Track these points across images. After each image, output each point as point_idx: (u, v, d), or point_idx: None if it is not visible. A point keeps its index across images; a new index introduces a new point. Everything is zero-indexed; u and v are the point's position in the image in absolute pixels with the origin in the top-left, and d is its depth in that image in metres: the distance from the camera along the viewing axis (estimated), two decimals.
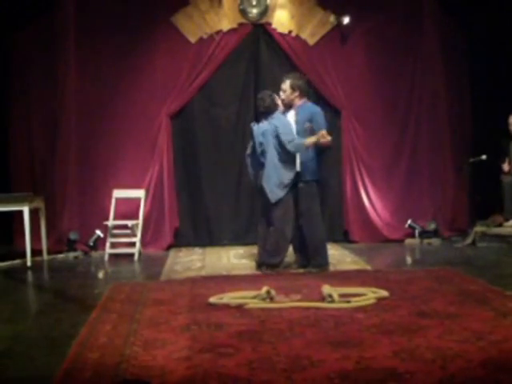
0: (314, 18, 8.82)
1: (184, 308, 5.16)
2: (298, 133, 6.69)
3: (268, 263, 6.70)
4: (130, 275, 7.28)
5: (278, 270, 6.69)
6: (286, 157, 6.60)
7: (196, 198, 8.97)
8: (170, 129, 8.79)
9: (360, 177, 8.91)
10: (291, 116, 6.83)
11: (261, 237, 6.88)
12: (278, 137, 6.58)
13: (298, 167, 6.70)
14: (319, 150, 6.70)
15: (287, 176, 6.61)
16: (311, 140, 6.48)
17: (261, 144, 6.74)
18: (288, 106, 6.85)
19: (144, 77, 8.68)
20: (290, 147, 6.51)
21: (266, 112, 6.75)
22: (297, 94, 6.82)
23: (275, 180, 6.61)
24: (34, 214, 7.87)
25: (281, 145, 6.57)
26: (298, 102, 6.84)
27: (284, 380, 3.45)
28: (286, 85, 6.81)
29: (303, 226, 6.75)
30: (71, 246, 8.37)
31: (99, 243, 8.39)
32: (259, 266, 6.78)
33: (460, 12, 8.82)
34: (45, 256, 8.03)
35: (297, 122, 6.76)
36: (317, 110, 6.88)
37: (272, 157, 6.64)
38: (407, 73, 9.04)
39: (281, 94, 6.83)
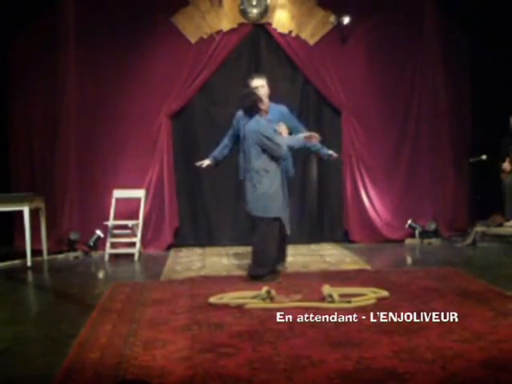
0: (314, 18, 8.82)
1: (184, 308, 5.16)
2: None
3: (253, 274, 6.28)
4: (130, 275, 7.28)
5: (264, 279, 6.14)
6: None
7: (196, 198, 8.97)
8: (170, 129, 8.79)
9: (360, 177, 8.91)
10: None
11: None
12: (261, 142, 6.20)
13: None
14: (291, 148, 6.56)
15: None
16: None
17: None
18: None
19: (144, 77, 8.67)
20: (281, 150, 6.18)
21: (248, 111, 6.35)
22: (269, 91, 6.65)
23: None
24: (34, 214, 7.87)
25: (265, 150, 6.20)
26: (268, 101, 6.51)
27: (284, 380, 3.45)
28: (264, 81, 6.66)
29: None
30: (71, 246, 8.38)
31: (99, 243, 8.40)
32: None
33: (460, 12, 8.82)
34: (45, 256, 8.04)
35: (270, 122, 6.48)
36: (285, 110, 6.71)
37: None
38: (407, 73, 9.03)
39: (263, 91, 6.55)
